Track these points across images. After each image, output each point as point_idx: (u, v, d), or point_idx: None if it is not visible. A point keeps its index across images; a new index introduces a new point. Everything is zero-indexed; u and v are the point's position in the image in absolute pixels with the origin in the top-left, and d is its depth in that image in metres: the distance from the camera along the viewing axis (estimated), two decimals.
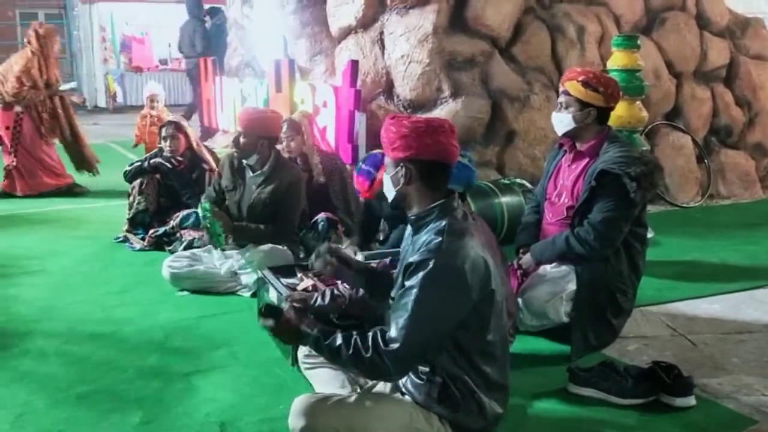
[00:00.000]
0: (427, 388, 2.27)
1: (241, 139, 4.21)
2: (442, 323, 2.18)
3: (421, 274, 2.14)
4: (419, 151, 2.25)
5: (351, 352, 2.17)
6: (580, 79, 3.36)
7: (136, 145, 8.03)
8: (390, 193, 2.36)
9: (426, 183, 2.29)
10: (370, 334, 2.19)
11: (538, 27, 6.27)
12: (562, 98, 3.46)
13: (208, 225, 4.15)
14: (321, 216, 4.71)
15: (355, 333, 2.22)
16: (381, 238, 4.81)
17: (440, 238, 2.18)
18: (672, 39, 6.94)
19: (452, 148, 2.29)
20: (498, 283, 2.29)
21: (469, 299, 2.19)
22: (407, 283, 2.18)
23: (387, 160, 2.36)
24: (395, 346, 2.13)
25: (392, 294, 2.38)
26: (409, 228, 2.41)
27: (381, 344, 2.14)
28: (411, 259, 2.20)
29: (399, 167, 2.29)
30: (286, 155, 4.91)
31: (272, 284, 3.38)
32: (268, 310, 2.36)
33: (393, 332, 2.15)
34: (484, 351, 2.28)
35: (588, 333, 3.28)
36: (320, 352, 2.30)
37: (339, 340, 2.20)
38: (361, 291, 2.78)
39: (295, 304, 2.67)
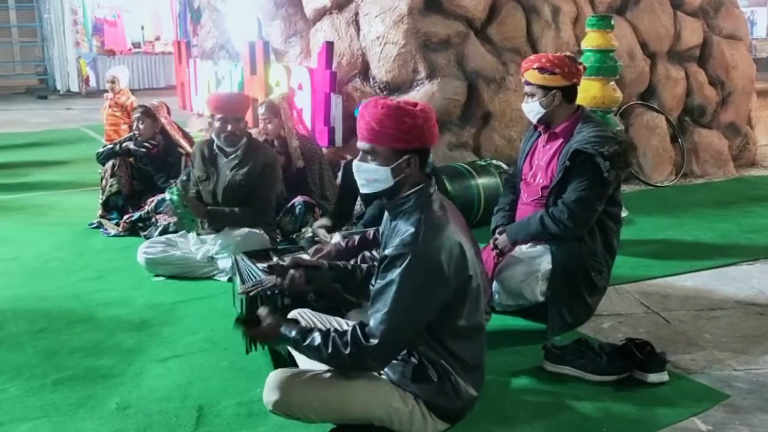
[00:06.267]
0: (401, 367, 2.28)
1: (229, 126, 4.13)
2: (420, 315, 2.19)
3: (398, 269, 2.14)
4: (426, 141, 2.26)
5: (330, 351, 2.17)
6: (535, 66, 3.42)
7: None
8: (382, 183, 2.26)
9: (419, 170, 2.29)
10: (349, 330, 2.19)
11: (513, 8, 6.25)
12: (526, 89, 3.51)
13: (179, 214, 4.10)
14: (298, 199, 4.70)
15: (332, 330, 2.22)
16: (357, 215, 4.81)
17: (416, 230, 2.17)
18: (646, 19, 6.96)
19: (437, 131, 2.32)
20: (475, 269, 2.30)
21: (447, 289, 2.20)
22: (386, 277, 2.17)
23: (381, 150, 2.24)
24: (374, 341, 2.14)
25: (372, 282, 2.38)
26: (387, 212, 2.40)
27: (361, 340, 2.15)
28: (387, 252, 2.20)
29: (405, 157, 2.24)
30: (262, 137, 4.89)
31: (242, 271, 3.35)
32: (247, 320, 2.36)
33: (372, 327, 2.15)
34: (457, 335, 2.30)
35: (563, 311, 3.32)
36: (300, 352, 2.31)
37: (318, 340, 2.19)
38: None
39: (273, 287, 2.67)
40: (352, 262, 3.13)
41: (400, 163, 2.24)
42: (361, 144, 2.29)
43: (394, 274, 2.15)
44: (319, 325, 2.54)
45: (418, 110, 2.25)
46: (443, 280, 2.18)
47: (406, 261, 2.14)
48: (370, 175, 2.28)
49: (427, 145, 2.30)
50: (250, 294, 2.90)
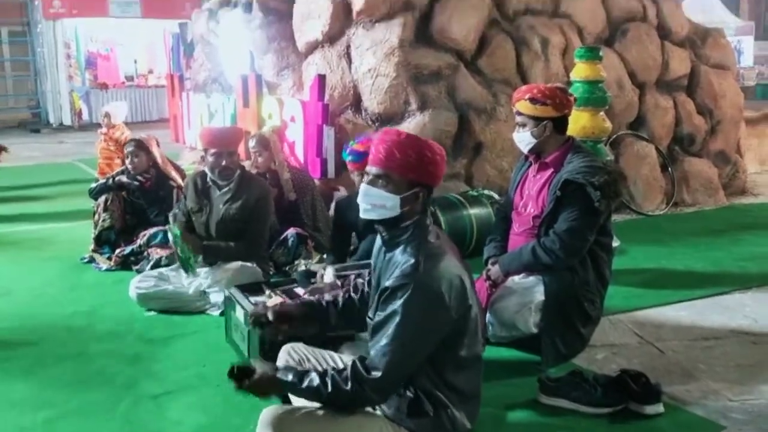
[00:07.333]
0: (397, 402, 2.26)
1: (224, 161, 4.15)
2: (424, 346, 2.18)
3: (400, 300, 2.13)
4: (436, 180, 2.30)
5: (330, 390, 2.14)
6: (527, 97, 3.45)
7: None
8: (389, 211, 2.25)
9: (421, 207, 2.29)
10: (349, 365, 2.17)
11: (502, 39, 6.33)
12: (517, 119, 3.53)
13: (179, 252, 4.09)
14: (291, 231, 4.70)
15: (330, 369, 2.20)
16: (351, 248, 4.81)
17: (415, 260, 2.17)
18: (634, 50, 7.05)
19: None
20: (474, 298, 2.30)
21: (449, 319, 2.19)
22: (387, 308, 2.16)
23: (396, 178, 2.24)
24: (377, 374, 2.12)
25: (369, 314, 2.36)
26: (379, 241, 2.40)
27: (362, 373, 2.13)
28: (387, 284, 2.18)
29: (415, 189, 2.25)
30: (254, 170, 4.90)
31: (239, 303, 3.35)
32: (240, 372, 2.27)
33: (374, 359, 2.14)
34: (457, 365, 2.28)
35: (557, 342, 3.31)
36: (299, 395, 2.26)
37: (316, 381, 2.16)
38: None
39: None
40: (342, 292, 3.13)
41: (410, 194, 2.25)
42: (374, 169, 2.28)
43: (396, 305, 2.14)
44: (313, 361, 2.53)
45: (437, 147, 2.29)
46: (445, 310, 2.17)
47: (408, 292, 2.13)
48: (378, 201, 2.26)
49: (435, 183, 2.32)
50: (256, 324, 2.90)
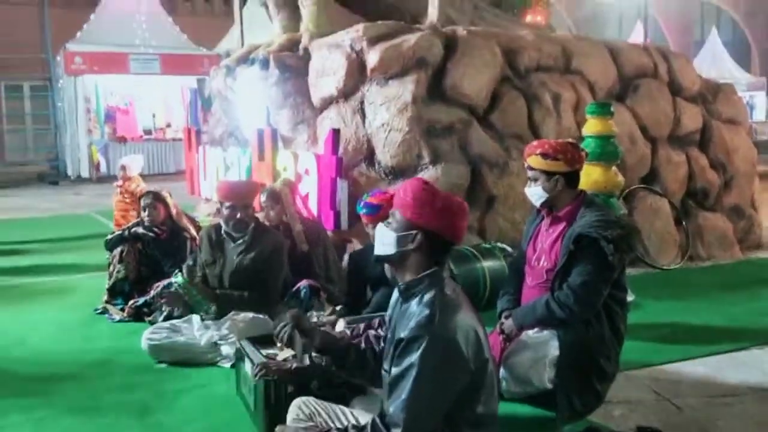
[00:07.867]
0: None
1: (238, 214, 4.21)
2: (443, 400, 2.15)
3: (416, 352, 2.11)
4: (441, 228, 2.29)
5: None
6: (538, 152, 3.49)
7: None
8: (387, 248, 2.32)
9: (428, 255, 2.30)
10: (368, 423, 2.15)
11: (515, 96, 6.41)
12: (529, 173, 3.57)
13: (186, 298, 4.11)
14: (303, 283, 4.69)
15: (350, 427, 2.19)
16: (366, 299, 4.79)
17: (430, 311, 2.16)
18: (646, 105, 7.11)
19: (464, 232, 2.38)
20: (490, 353, 2.28)
21: (467, 369, 2.17)
22: (403, 362, 2.14)
23: (398, 217, 2.32)
24: (397, 431, 2.09)
25: (384, 367, 2.34)
26: (396, 293, 2.40)
27: (382, 430, 2.10)
28: (402, 335, 2.17)
29: (413, 231, 2.28)
30: (266, 224, 4.94)
31: (248, 356, 3.34)
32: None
33: (393, 415, 2.11)
34: (474, 424, 2.24)
35: (573, 398, 3.25)
36: None
37: None
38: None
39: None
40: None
41: (407, 235, 2.28)
42: (392, 209, 2.39)
43: (413, 357, 2.12)
44: (324, 416, 2.51)
45: (444, 193, 2.34)
46: (464, 361, 2.15)
47: (424, 343, 2.11)
48: (380, 235, 2.36)
49: (441, 231, 2.30)
50: (262, 377, 2.90)
